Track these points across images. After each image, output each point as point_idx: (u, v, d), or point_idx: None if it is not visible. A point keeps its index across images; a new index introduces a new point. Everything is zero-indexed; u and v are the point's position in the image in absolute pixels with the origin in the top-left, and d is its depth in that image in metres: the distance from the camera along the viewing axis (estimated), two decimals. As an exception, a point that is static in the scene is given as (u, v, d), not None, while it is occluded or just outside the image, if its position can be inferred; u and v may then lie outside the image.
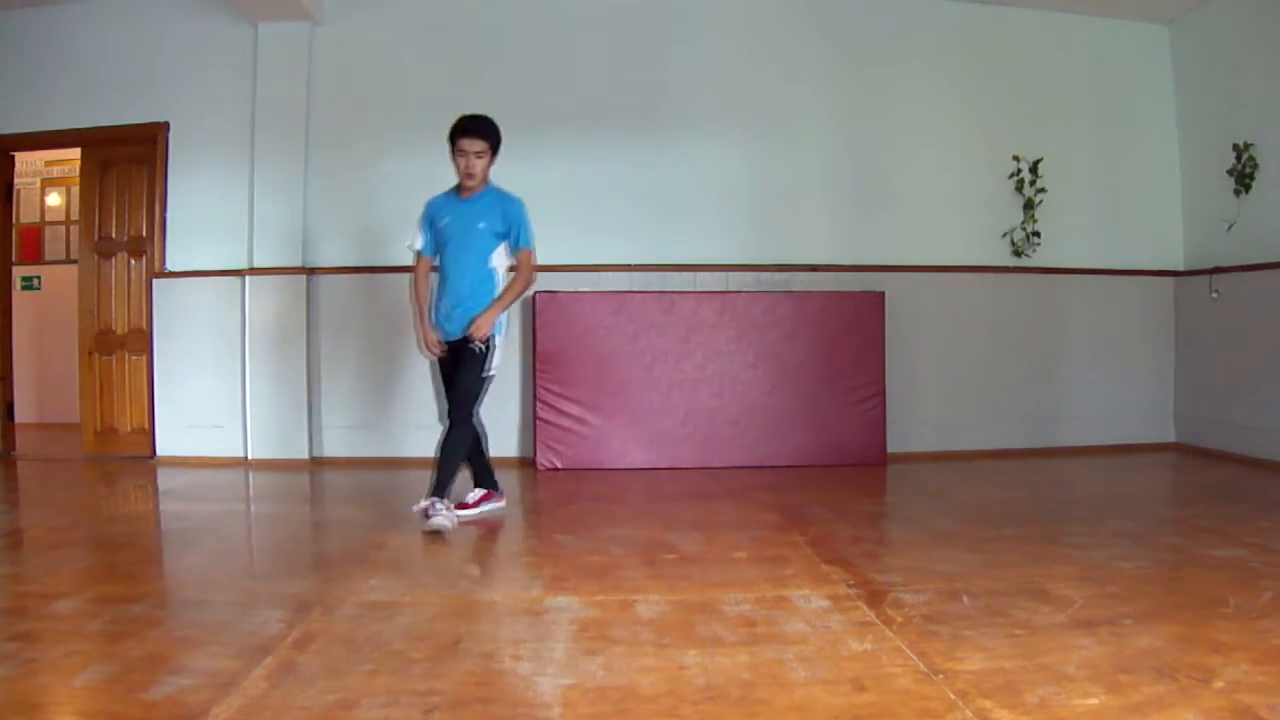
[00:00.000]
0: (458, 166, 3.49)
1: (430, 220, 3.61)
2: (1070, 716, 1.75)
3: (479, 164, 3.47)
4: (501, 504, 3.81)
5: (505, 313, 3.58)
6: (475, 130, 3.46)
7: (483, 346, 3.48)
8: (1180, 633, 2.21)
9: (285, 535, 3.75)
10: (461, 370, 3.49)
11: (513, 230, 3.55)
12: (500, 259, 3.57)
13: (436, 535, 3.33)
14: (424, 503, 3.41)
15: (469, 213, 3.52)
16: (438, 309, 3.60)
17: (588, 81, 5.41)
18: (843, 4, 5.54)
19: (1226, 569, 2.79)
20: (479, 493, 3.74)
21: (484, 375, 3.52)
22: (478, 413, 3.57)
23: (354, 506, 4.23)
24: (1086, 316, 5.64)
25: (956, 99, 5.56)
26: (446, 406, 3.54)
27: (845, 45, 5.52)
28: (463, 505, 3.62)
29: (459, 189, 3.58)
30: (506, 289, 3.56)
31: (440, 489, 3.41)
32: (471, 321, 3.47)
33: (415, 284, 3.69)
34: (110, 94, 5.39)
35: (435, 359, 3.65)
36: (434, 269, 3.70)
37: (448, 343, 3.56)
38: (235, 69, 5.32)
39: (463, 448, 3.50)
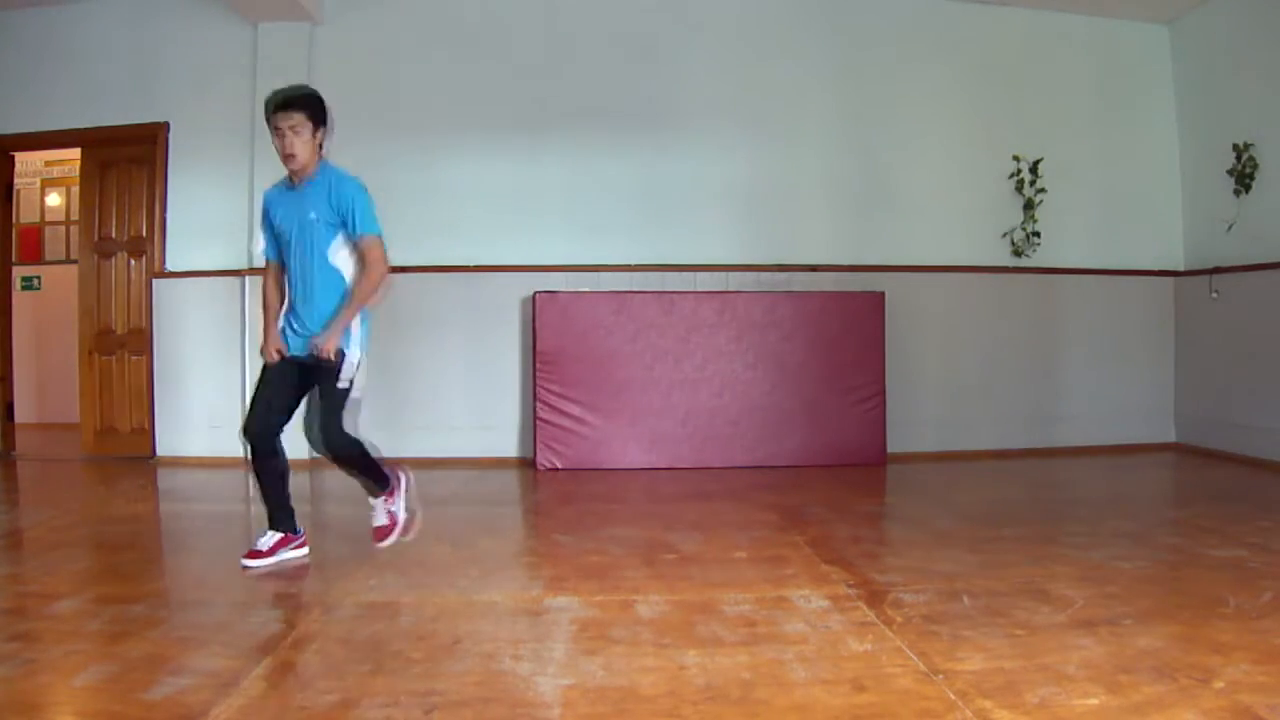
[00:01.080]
0: (277, 150, 2.93)
1: (266, 217, 3.03)
2: (1070, 716, 1.75)
3: (297, 141, 2.88)
4: (302, 552, 3.11)
5: (360, 322, 2.96)
6: (286, 102, 2.88)
7: (332, 362, 2.90)
8: (1180, 633, 2.21)
9: (285, 535, 3.74)
10: (322, 400, 2.95)
11: (348, 216, 2.92)
12: (344, 254, 2.96)
13: (405, 534, 3.09)
14: (378, 517, 3.11)
15: (299, 203, 2.95)
16: (289, 319, 3.01)
17: (588, 81, 5.40)
18: (843, 4, 5.54)
19: (1226, 569, 2.79)
20: (273, 536, 3.04)
21: (345, 396, 2.97)
22: (344, 429, 3.00)
23: (354, 506, 4.21)
24: (1086, 316, 5.64)
25: (957, 99, 5.56)
26: (260, 424, 3.00)
27: (845, 45, 5.52)
28: (255, 554, 2.99)
29: (288, 178, 3.00)
30: (352, 292, 2.93)
31: (381, 484, 3.09)
32: (311, 340, 2.92)
33: (264, 289, 3.09)
34: (110, 94, 5.40)
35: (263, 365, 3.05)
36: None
37: (295, 359, 2.98)
38: (235, 69, 5.31)
39: (361, 451, 3.03)
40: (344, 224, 2.94)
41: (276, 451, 3.06)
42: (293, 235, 2.96)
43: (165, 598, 2.71)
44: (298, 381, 3.00)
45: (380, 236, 2.94)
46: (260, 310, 3.13)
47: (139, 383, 5.52)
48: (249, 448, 3.05)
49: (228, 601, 2.59)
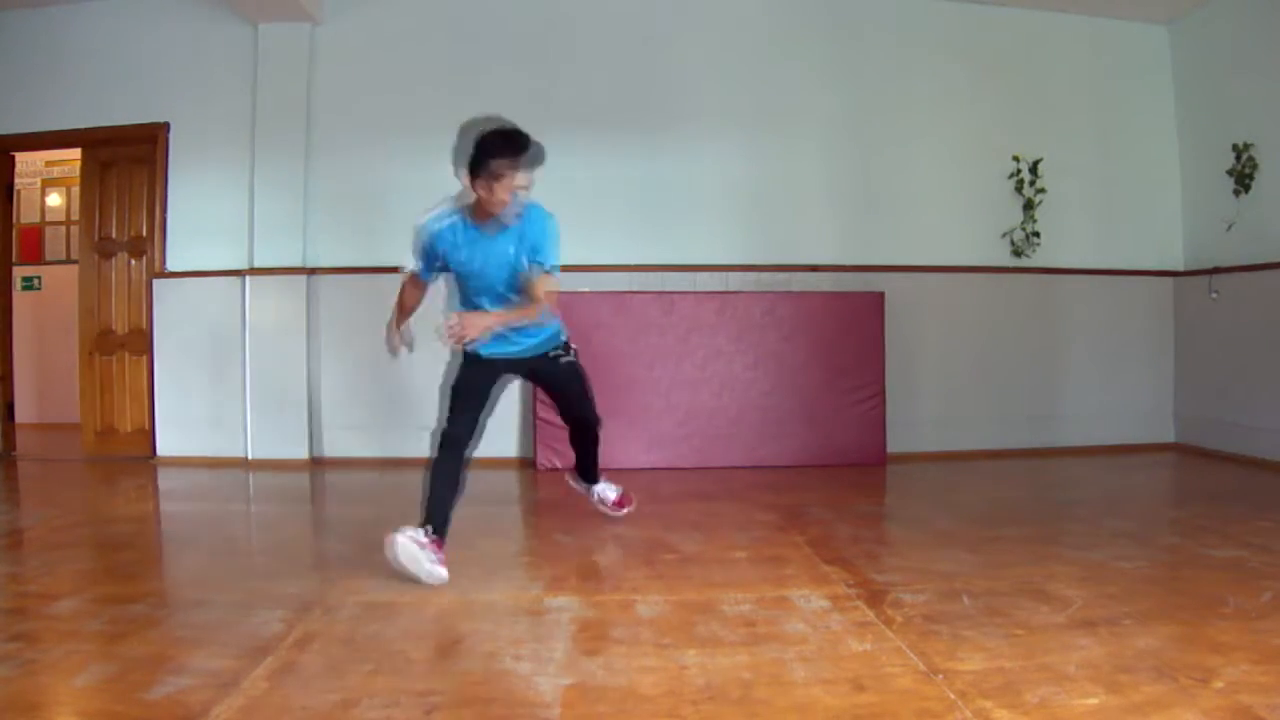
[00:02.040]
0: (491, 195, 2.67)
1: (433, 252, 2.95)
2: (1070, 716, 1.75)
3: (522, 195, 2.76)
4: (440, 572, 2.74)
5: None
6: (533, 155, 2.69)
7: (562, 353, 3.20)
8: (1180, 633, 2.21)
9: (285, 535, 3.75)
10: (572, 386, 3.33)
11: (539, 247, 2.86)
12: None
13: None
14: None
15: (495, 244, 2.85)
16: (500, 338, 3.00)
17: (588, 82, 5.40)
18: (843, 4, 5.54)
19: (1226, 569, 2.79)
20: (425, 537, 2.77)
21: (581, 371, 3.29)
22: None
23: (354, 506, 4.23)
24: (1086, 316, 5.64)
25: (956, 99, 5.56)
26: (465, 430, 2.98)
27: (845, 45, 5.52)
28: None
29: (473, 215, 2.84)
30: (519, 309, 2.90)
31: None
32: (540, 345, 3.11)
33: (402, 293, 3.16)
34: (110, 94, 5.39)
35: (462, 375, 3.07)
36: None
37: (502, 365, 3.08)
38: (235, 69, 5.32)
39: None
40: (533, 252, 2.86)
41: (465, 460, 3.00)
42: (492, 279, 2.89)
43: (165, 598, 2.71)
44: (494, 391, 3.09)
45: (557, 268, 2.89)
46: (395, 310, 3.24)
47: (139, 383, 5.52)
48: (443, 450, 2.94)
49: (228, 601, 2.58)
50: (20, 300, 6.58)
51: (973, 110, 5.57)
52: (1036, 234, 5.55)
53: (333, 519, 4.11)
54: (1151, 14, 5.65)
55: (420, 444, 5.26)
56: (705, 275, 5.35)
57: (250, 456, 5.26)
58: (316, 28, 5.34)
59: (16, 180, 6.18)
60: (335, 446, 5.32)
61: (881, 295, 5.20)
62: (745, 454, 5.06)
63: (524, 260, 2.86)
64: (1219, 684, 1.88)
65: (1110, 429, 5.61)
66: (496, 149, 2.64)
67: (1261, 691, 1.84)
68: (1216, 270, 5.31)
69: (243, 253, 5.31)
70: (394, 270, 5.46)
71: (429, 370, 5.35)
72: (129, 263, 5.59)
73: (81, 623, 2.37)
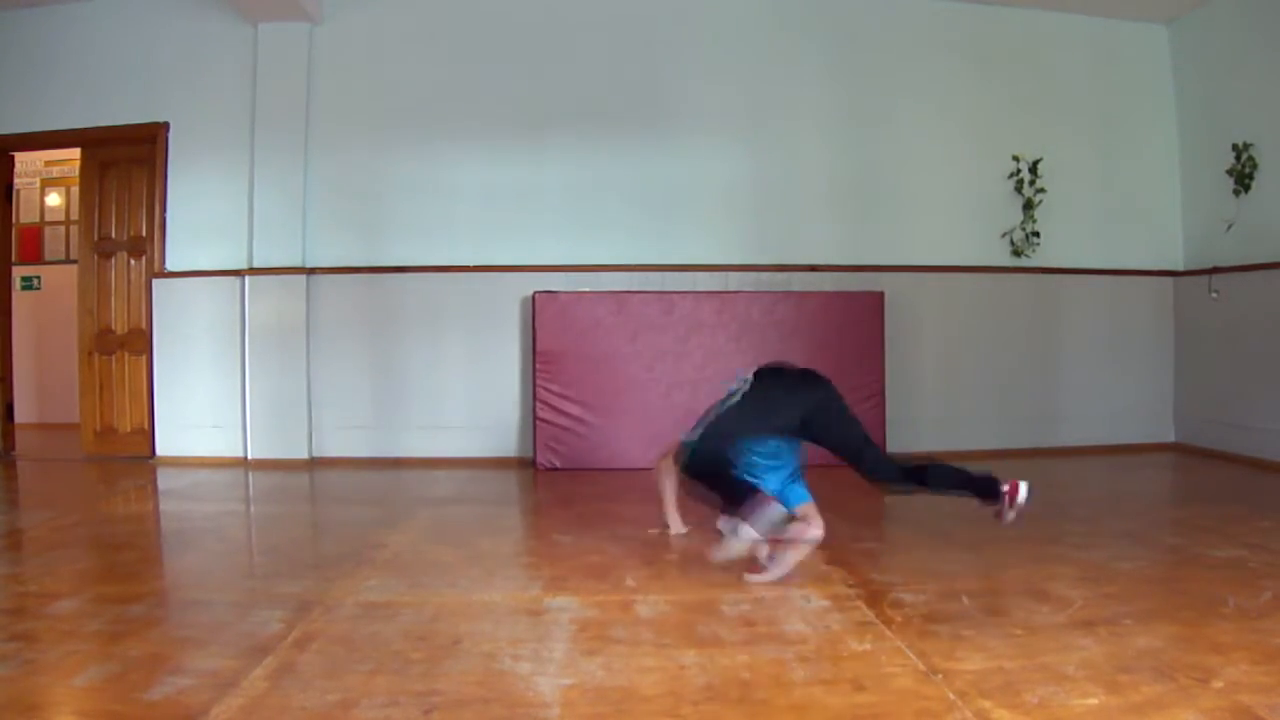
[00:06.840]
0: None
1: None
2: (1070, 716, 1.75)
3: None
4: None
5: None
6: None
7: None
8: (1180, 633, 2.21)
9: (285, 535, 3.74)
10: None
11: None
12: None
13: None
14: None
15: None
16: None
17: (588, 81, 5.40)
18: (842, 4, 5.54)
19: (1226, 569, 2.79)
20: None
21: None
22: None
23: (354, 506, 4.23)
24: (1086, 316, 5.64)
25: (956, 99, 5.55)
26: None
27: (845, 45, 5.52)
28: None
29: None
30: None
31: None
32: None
33: None
34: (110, 94, 5.39)
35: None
36: None
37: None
38: (235, 69, 5.32)
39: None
40: None
41: None
42: None
43: (165, 598, 2.71)
44: None
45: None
46: None
47: (139, 383, 5.52)
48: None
49: (228, 601, 2.58)
50: (20, 300, 6.58)
51: (973, 110, 5.57)
52: (1036, 234, 5.55)
53: (332, 519, 4.11)
54: (1151, 14, 5.65)
55: (420, 443, 5.28)
56: (705, 275, 5.35)
57: (250, 456, 5.25)
58: (315, 27, 5.34)
59: (16, 180, 6.18)
60: (335, 446, 5.32)
61: (881, 295, 5.20)
62: (745, 454, 5.05)
63: None
64: (1219, 684, 1.88)
65: (1110, 429, 5.61)
66: None
67: (1261, 691, 1.84)
68: (1216, 270, 5.31)
69: (242, 252, 5.31)
70: (392, 270, 5.49)
71: (430, 370, 5.37)
72: (128, 262, 5.59)
73: (81, 623, 2.36)
